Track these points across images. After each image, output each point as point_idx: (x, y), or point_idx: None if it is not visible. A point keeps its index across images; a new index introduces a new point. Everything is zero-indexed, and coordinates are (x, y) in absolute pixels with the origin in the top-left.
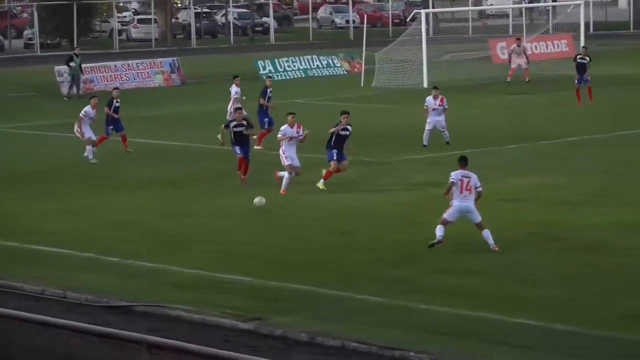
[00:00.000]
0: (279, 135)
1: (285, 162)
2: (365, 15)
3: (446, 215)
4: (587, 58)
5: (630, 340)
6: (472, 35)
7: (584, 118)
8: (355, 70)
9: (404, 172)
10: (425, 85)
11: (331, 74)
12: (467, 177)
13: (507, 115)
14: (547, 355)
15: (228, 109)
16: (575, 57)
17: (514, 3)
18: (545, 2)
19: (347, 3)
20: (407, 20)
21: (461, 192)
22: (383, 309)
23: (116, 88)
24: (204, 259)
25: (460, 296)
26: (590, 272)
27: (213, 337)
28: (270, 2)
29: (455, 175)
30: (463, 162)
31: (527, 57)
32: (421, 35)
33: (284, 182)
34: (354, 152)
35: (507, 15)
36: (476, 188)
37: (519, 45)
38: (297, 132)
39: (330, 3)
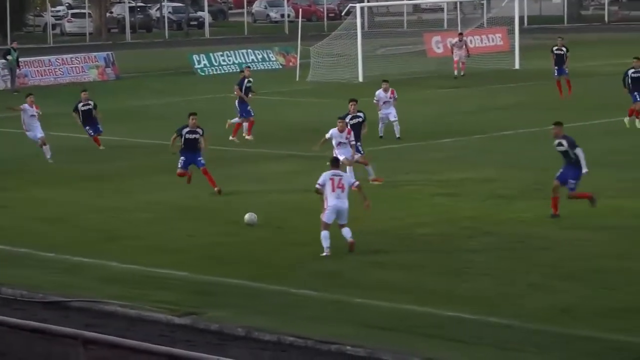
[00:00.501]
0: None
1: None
2: (301, 10)
3: (324, 218)
4: (564, 49)
5: (563, 333)
6: (407, 29)
7: (519, 112)
8: (291, 64)
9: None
10: (360, 79)
11: (266, 68)
12: (337, 175)
13: (442, 109)
14: (482, 349)
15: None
16: (552, 48)
17: None
18: None
19: None
20: (342, 14)
21: (333, 191)
22: (318, 303)
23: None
24: (139, 254)
25: (395, 290)
26: (523, 266)
27: (149, 332)
28: None
29: (322, 178)
30: (334, 163)
31: (467, 51)
32: (356, 29)
33: (370, 171)
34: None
35: (442, 9)
36: (351, 185)
37: (460, 40)
38: (347, 138)
39: None
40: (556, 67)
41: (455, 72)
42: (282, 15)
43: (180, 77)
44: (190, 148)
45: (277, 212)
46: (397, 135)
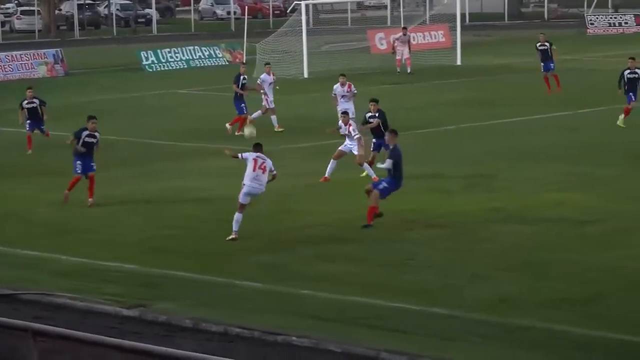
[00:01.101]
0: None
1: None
2: (247, 7)
3: (240, 198)
4: (548, 43)
5: (504, 322)
6: (352, 27)
7: (461, 107)
8: (237, 60)
9: (284, 161)
10: (305, 75)
11: (213, 64)
12: (261, 158)
13: (386, 105)
14: (425, 339)
15: (264, 98)
16: (536, 45)
17: None
18: None
19: None
20: (288, 11)
21: (254, 170)
22: (264, 294)
23: None
24: (87, 247)
25: (339, 281)
26: (464, 257)
27: (98, 324)
28: None
29: (247, 154)
30: (257, 147)
31: (409, 47)
32: (301, 26)
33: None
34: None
35: (385, 7)
36: (271, 171)
37: (404, 35)
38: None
39: None
40: (542, 63)
41: (399, 69)
42: (229, 13)
43: (128, 74)
44: (88, 152)
45: (223, 206)
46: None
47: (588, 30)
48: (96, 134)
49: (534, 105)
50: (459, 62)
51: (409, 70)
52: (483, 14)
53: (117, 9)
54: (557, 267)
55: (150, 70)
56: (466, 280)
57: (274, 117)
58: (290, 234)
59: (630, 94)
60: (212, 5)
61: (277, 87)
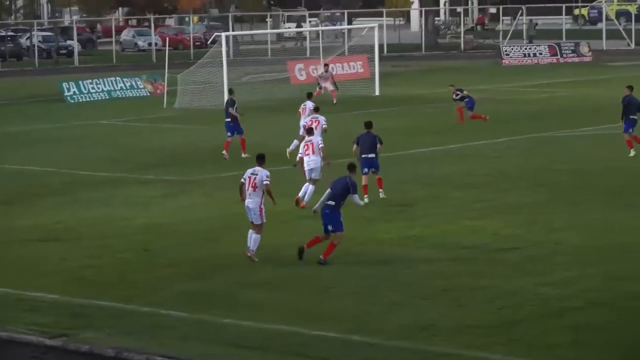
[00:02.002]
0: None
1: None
2: (168, 38)
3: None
4: (459, 90)
5: (424, 349)
6: (271, 58)
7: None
8: (158, 91)
9: (207, 190)
10: None
11: (135, 95)
12: (254, 174)
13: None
14: None
15: (301, 124)
16: (452, 97)
17: (312, 26)
18: (341, 25)
19: (149, 26)
20: (208, 42)
21: (247, 189)
22: (188, 323)
23: None
24: (9, 277)
25: (261, 309)
26: (384, 284)
27: (20, 354)
28: (74, 25)
29: (246, 174)
30: (257, 160)
31: (333, 81)
32: (222, 57)
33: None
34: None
35: (305, 38)
36: (262, 182)
37: (326, 71)
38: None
39: (133, 26)
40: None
41: (315, 96)
42: (150, 44)
43: (50, 105)
44: None
45: (145, 234)
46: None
47: (503, 60)
48: None
49: (451, 134)
50: (377, 93)
51: (334, 102)
52: (401, 45)
53: (39, 41)
54: (475, 294)
55: (72, 101)
56: (387, 307)
57: (295, 142)
58: (213, 262)
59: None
60: (134, 37)
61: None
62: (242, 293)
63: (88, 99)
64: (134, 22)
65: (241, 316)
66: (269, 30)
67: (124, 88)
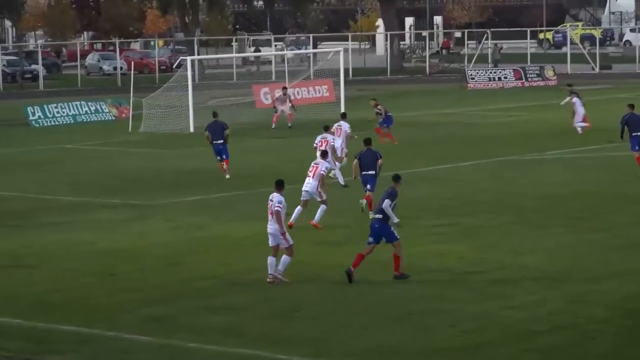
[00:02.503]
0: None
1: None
2: (133, 62)
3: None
4: (380, 107)
5: None
6: (237, 81)
7: (349, 161)
8: (123, 115)
9: (170, 214)
10: (191, 129)
11: (100, 119)
12: (271, 200)
13: (269, 159)
14: None
15: (339, 146)
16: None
17: (277, 50)
18: (306, 49)
19: (114, 50)
20: (174, 66)
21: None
22: (152, 348)
23: None
24: None
25: (226, 334)
26: (350, 308)
27: None
28: (39, 49)
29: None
30: (277, 186)
31: (291, 103)
32: (187, 81)
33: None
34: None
35: (270, 62)
36: (274, 207)
37: (284, 94)
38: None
39: (98, 50)
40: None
41: (274, 125)
42: (115, 68)
43: (15, 129)
44: None
45: (110, 259)
46: None
47: (468, 84)
48: None
49: (415, 157)
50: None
51: (289, 125)
52: (366, 69)
53: (4, 65)
54: (440, 317)
55: (37, 125)
56: (353, 331)
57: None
58: (177, 286)
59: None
60: (99, 61)
61: (355, 137)
62: (207, 317)
63: (53, 123)
64: (99, 46)
65: (206, 340)
66: (234, 54)
67: (89, 112)
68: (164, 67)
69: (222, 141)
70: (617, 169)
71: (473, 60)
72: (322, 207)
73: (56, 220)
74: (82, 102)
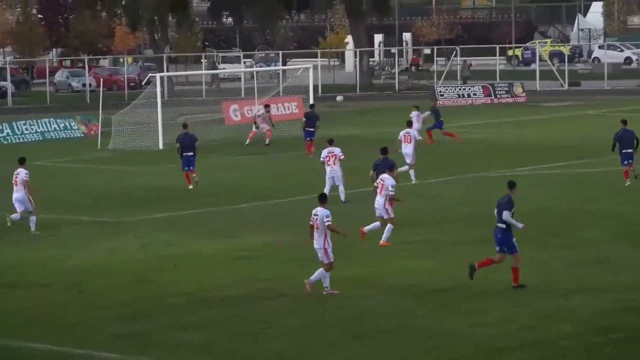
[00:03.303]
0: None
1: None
2: (102, 79)
3: None
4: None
5: None
6: (206, 98)
7: (317, 176)
8: (92, 132)
9: (140, 231)
10: (160, 146)
11: (68, 136)
12: (316, 214)
13: (240, 175)
14: None
15: (404, 151)
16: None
17: (246, 67)
18: (276, 66)
19: (83, 67)
20: (143, 83)
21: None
22: None
23: None
24: None
25: (196, 351)
26: (319, 325)
27: None
28: (8, 66)
29: (312, 215)
30: (321, 199)
31: (271, 121)
32: (156, 98)
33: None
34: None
35: (240, 79)
36: (323, 222)
37: (267, 111)
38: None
39: (67, 67)
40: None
41: (248, 141)
42: (84, 85)
43: None
44: None
45: (80, 276)
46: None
47: (438, 101)
48: None
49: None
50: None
51: (267, 142)
52: (335, 85)
53: None
54: (410, 334)
55: (5, 142)
56: (322, 348)
57: (412, 172)
58: (147, 303)
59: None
60: (68, 78)
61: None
62: (177, 335)
63: (22, 140)
64: (68, 62)
65: (177, 358)
66: (203, 71)
67: (58, 129)
68: (133, 84)
69: (192, 153)
70: (587, 185)
71: (442, 77)
72: (389, 226)
73: (26, 237)
74: (51, 119)
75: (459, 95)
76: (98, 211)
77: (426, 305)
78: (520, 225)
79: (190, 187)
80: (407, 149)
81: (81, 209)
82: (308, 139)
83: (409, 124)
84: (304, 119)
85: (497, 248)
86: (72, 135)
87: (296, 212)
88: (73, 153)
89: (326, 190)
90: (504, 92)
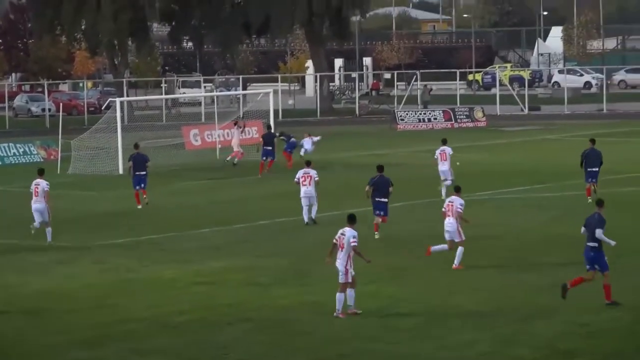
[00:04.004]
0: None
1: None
2: (61, 104)
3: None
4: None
5: None
6: (166, 123)
7: (276, 202)
8: (52, 157)
9: (100, 256)
10: (120, 171)
11: (28, 161)
12: (343, 234)
13: (201, 200)
14: None
15: (440, 169)
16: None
17: (206, 91)
18: (236, 90)
19: (43, 91)
20: (103, 108)
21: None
22: None
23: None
24: None
25: None
26: (281, 351)
27: None
28: None
29: (337, 234)
30: (350, 220)
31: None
32: (116, 122)
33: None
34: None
35: (200, 103)
36: (349, 242)
37: (244, 127)
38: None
39: (26, 92)
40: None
41: (236, 159)
42: (43, 110)
43: None
44: None
45: (38, 301)
46: None
47: (398, 125)
48: None
49: (344, 199)
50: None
51: (235, 161)
52: (296, 110)
53: None
54: (372, 358)
55: None
56: None
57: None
58: (106, 328)
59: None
60: (27, 103)
61: (458, 164)
62: None
63: None
64: (27, 87)
65: None
66: (163, 96)
67: (17, 154)
68: (92, 109)
69: (144, 172)
70: (546, 209)
71: (403, 102)
72: (460, 249)
73: None
74: (10, 144)
75: (419, 119)
76: (57, 236)
77: (387, 330)
78: (612, 242)
79: (139, 207)
80: (444, 167)
81: (41, 234)
82: (265, 158)
83: (444, 142)
84: (261, 140)
85: (588, 266)
86: (31, 160)
87: (257, 237)
88: (33, 178)
89: (304, 213)
90: (464, 116)
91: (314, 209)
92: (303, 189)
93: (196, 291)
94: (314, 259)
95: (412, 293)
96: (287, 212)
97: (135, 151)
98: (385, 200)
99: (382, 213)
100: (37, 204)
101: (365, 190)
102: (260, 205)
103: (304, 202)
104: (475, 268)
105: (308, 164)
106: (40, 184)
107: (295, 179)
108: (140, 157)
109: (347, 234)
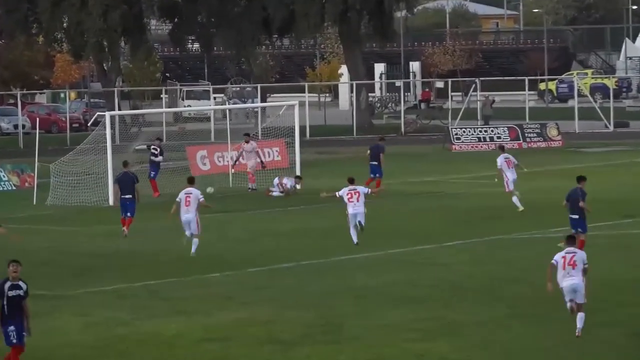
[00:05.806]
0: None
1: None
2: (38, 119)
3: None
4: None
5: None
6: (168, 142)
7: (301, 239)
8: (27, 184)
9: (85, 307)
10: (110, 202)
11: None
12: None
13: (208, 237)
14: None
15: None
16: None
17: (217, 104)
18: (253, 102)
19: (15, 104)
20: (89, 124)
21: None
22: None
23: None
24: None
25: None
26: None
27: None
28: None
29: None
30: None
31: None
32: (106, 142)
33: None
34: None
35: (209, 119)
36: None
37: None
38: None
39: None
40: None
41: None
42: (16, 126)
43: None
44: (13, 312)
45: None
46: None
47: (453, 146)
48: (21, 283)
49: (386, 236)
50: (298, 186)
51: (250, 187)
52: (327, 126)
53: None
54: None
55: None
56: None
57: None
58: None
59: None
60: None
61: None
62: None
63: None
64: None
65: None
66: (164, 109)
67: None
68: (76, 125)
69: (131, 196)
70: (637, 250)
71: (459, 116)
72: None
73: None
74: None
75: (479, 138)
76: (34, 282)
77: None
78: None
79: (125, 235)
80: (514, 175)
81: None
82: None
83: (502, 149)
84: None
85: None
86: (2, 188)
87: (277, 283)
88: (4, 210)
89: (352, 232)
90: (535, 134)
91: (360, 225)
92: (350, 206)
93: (205, 350)
94: (349, 310)
95: (468, 352)
96: (313, 252)
97: (122, 170)
98: (577, 216)
99: (580, 230)
100: (187, 215)
101: (563, 205)
102: (281, 244)
103: (351, 220)
104: (547, 322)
105: (351, 181)
106: (193, 193)
107: (339, 193)
108: (126, 177)
109: None
